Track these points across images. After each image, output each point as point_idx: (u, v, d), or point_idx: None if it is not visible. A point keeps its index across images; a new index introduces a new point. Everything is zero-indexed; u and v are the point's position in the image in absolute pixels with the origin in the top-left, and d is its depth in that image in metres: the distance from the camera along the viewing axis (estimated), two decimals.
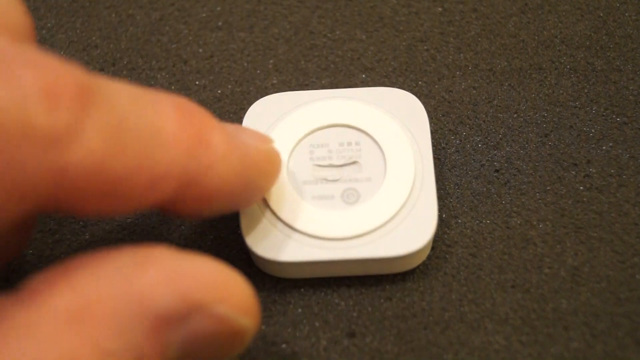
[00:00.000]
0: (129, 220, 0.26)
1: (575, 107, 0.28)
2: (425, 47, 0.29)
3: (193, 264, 0.18)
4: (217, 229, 0.25)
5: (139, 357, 0.16)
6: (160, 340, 0.17)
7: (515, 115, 0.27)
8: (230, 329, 0.18)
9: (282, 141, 0.25)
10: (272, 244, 0.23)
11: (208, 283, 0.17)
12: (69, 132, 0.16)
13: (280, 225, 0.24)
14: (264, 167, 0.21)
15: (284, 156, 0.25)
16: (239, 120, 0.28)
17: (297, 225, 0.23)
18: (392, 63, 0.29)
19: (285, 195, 0.24)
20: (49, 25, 0.30)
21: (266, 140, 0.22)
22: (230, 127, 0.21)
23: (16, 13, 0.18)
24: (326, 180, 0.24)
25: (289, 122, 0.25)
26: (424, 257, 0.24)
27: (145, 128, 0.17)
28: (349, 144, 0.25)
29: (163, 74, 0.29)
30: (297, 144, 0.25)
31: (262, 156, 0.21)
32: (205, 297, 0.17)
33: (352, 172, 0.25)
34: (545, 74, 0.28)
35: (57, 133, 0.16)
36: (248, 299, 0.18)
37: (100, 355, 0.16)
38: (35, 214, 0.17)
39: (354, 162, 0.25)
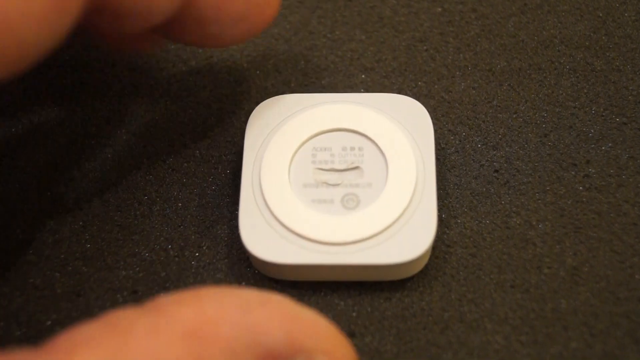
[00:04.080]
0: (129, 220, 0.26)
1: (575, 107, 0.28)
2: (425, 48, 0.29)
3: (309, 315, 0.18)
4: (216, 230, 0.26)
5: None
6: None
7: (514, 115, 0.27)
8: None
9: (286, 143, 0.25)
10: (269, 246, 0.23)
11: (316, 332, 0.18)
12: None
13: (278, 227, 0.24)
14: None
15: (286, 158, 0.25)
16: (238, 120, 0.28)
17: (295, 228, 0.23)
18: (391, 63, 0.29)
19: (285, 197, 0.24)
20: None
21: None
22: None
23: None
24: (327, 184, 0.24)
25: (293, 124, 0.25)
26: (421, 265, 0.24)
27: None
28: (352, 148, 0.25)
29: (163, 74, 0.29)
30: (300, 146, 0.25)
31: None
32: (311, 344, 0.18)
33: (353, 177, 0.25)
34: (544, 74, 0.28)
35: None
36: (349, 358, 0.19)
37: None
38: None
39: (356, 167, 0.25)
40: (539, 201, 0.26)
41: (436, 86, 0.28)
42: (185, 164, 0.27)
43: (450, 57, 0.29)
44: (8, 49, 0.17)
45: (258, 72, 0.29)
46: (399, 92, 0.28)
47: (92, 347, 0.16)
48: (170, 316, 0.17)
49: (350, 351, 0.19)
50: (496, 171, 0.26)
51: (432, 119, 0.26)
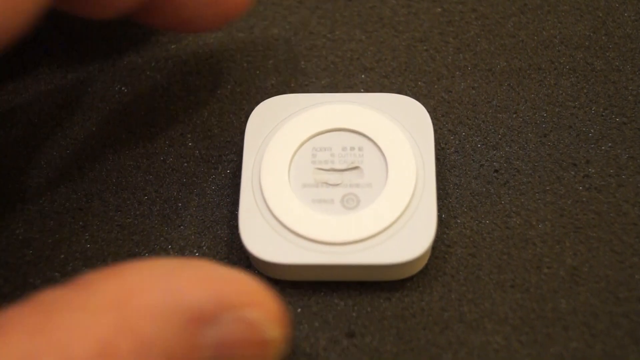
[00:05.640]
0: (129, 220, 0.26)
1: (575, 107, 0.28)
2: (425, 48, 0.29)
3: (229, 271, 0.18)
4: (215, 230, 0.26)
5: (170, 352, 0.17)
6: (191, 339, 0.17)
7: (514, 115, 0.27)
8: (260, 338, 0.18)
9: (286, 143, 0.25)
10: (269, 246, 0.23)
11: (242, 288, 0.18)
12: None
13: (278, 227, 0.24)
14: None
15: (286, 158, 0.25)
16: (238, 120, 0.28)
17: (295, 228, 0.23)
18: (391, 63, 0.29)
19: (285, 197, 0.24)
20: (48, 27, 0.30)
21: None
22: None
23: None
24: (327, 184, 0.24)
25: (293, 124, 0.25)
26: (421, 265, 0.24)
27: None
28: (352, 148, 0.25)
29: (163, 74, 0.29)
30: (300, 146, 0.25)
31: None
32: (238, 300, 0.18)
33: (353, 177, 0.25)
34: (544, 74, 0.28)
35: None
36: (278, 310, 0.18)
37: (133, 342, 0.16)
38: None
39: (356, 167, 0.25)
40: (539, 201, 0.26)
41: (436, 86, 0.28)
42: (185, 164, 0.27)
43: (450, 57, 0.29)
44: None
45: (258, 72, 0.29)
46: (398, 92, 0.28)
47: (15, 325, 0.16)
48: (94, 290, 0.17)
49: (277, 301, 0.18)
50: (496, 171, 0.26)
51: (432, 119, 0.26)
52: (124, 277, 0.17)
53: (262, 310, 0.18)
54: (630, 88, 0.28)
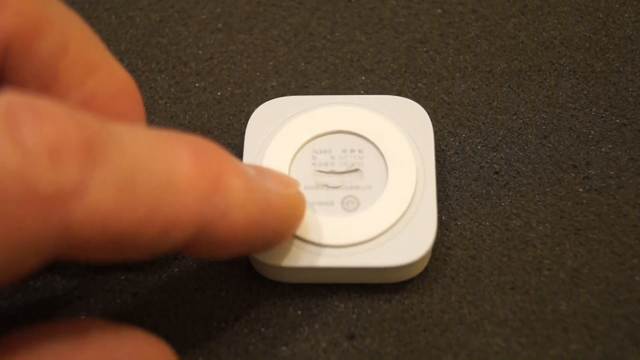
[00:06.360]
0: None
1: (575, 108, 0.28)
2: (425, 49, 0.29)
3: (125, 340, 0.19)
4: None
5: None
6: None
7: (514, 116, 0.27)
8: None
9: (286, 145, 0.25)
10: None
11: (139, 357, 0.18)
12: (74, 189, 0.16)
13: None
14: (285, 213, 0.21)
15: (286, 160, 0.25)
16: (239, 122, 0.28)
17: (296, 231, 0.23)
18: (391, 65, 0.29)
19: None
20: None
21: (290, 184, 0.21)
22: (252, 170, 0.20)
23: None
24: (327, 186, 0.24)
25: (293, 126, 0.25)
26: (421, 268, 0.24)
27: (158, 175, 0.17)
28: (352, 151, 0.25)
29: (163, 76, 0.29)
30: (300, 148, 0.25)
31: (284, 202, 0.21)
32: None
33: (353, 180, 0.25)
34: (544, 76, 0.28)
35: (61, 192, 0.15)
36: None
37: None
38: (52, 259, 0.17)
39: (356, 170, 0.25)
40: (539, 203, 0.26)
41: (436, 88, 0.28)
42: None
43: (450, 58, 0.29)
44: None
45: (258, 73, 0.29)
46: (399, 94, 0.28)
47: None
48: None
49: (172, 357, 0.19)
50: (496, 173, 0.26)
51: (432, 120, 0.26)
52: None
53: None
54: (630, 89, 0.28)
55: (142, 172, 0.17)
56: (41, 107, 0.16)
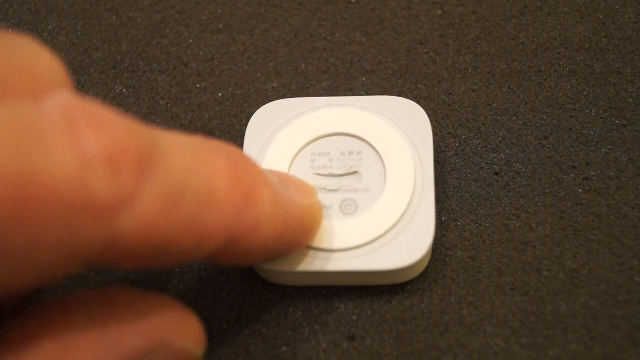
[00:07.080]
0: None
1: (575, 109, 0.28)
2: (425, 50, 0.29)
3: (156, 304, 0.19)
4: None
5: None
6: None
7: (514, 117, 0.27)
8: (188, 358, 0.19)
9: (284, 148, 0.25)
10: None
11: (168, 321, 0.19)
12: (126, 200, 0.16)
13: None
14: (306, 223, 0.22)
15: (285, 163, 0.25)
16: (239, 123, 0.28)
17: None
18: (391, 66, 0.29)
19: None
20: (49, 27, 0.30)
21: (310, 193, 0.22)
22: (276, 179, 0.21)
23: (48, 62, 0.18)
24: (325, 189, 0.24)
25: (292, 129, 0.25)
26: (421, 269, 0.24)
27: (199, 188, 0.17)
28: (351, 153, 0.25)
29: (164, 76, 0.29)
30: (299, 151, 0.25)
31: (305, 212, 0.22)
32: (167, 334, 0.19)
33: (351, 182, 0.25)
34: (544, 77, 0.28)
35: (115, 201, 0.16)
36: (200, 331, 0.20)
37: None
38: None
39: (354, 172, 0.25)
40: (539, 204, 0.26)
41: (436, 89, 0.28)
42: None
43: (450, 59, 0.29)
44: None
45: (259, 74, 0.29)
46: (399, 95, 0.28)
47: None
48: (33, 350, 0.17)
49: (198, 323, 0.19)
50: (496, 174, 0.26)
51: (432, 121, 0.26)
52: (56, 334, 0.17)
53: (187, 337, 0.19)
54: (630, 90, 0.28)
55: (186, 184, 0.17)
56: (99, 113, 0.16)
